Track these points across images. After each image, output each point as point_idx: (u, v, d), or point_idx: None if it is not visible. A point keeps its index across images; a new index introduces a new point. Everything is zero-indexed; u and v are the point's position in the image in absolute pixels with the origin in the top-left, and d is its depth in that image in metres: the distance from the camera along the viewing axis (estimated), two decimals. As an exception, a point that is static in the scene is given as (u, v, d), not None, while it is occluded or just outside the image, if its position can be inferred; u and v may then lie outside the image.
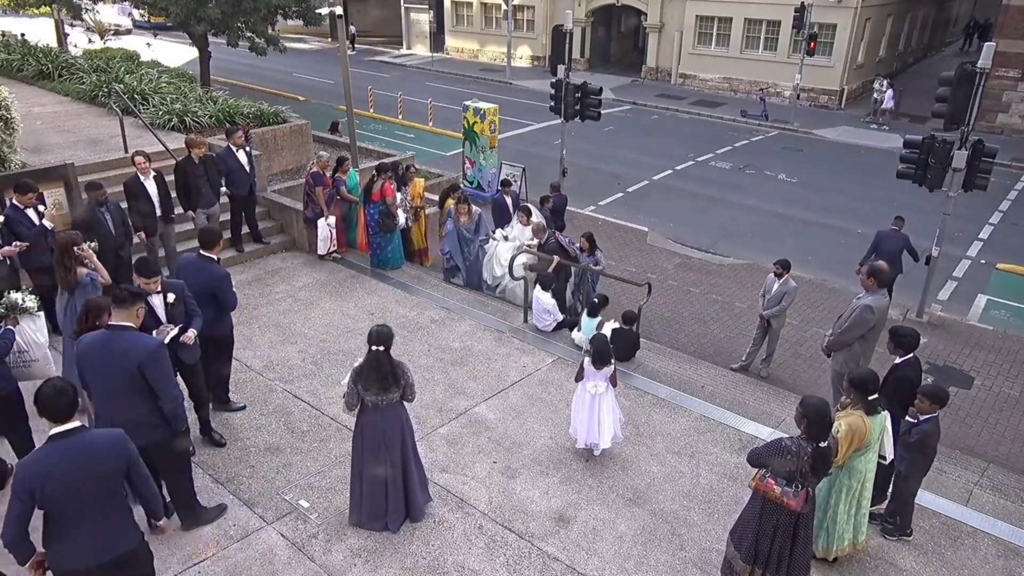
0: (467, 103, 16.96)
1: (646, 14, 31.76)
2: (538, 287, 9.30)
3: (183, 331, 6.02)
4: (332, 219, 10.93)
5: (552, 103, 15.13)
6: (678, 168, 20.27)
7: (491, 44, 36.91)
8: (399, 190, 10.95)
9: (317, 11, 22.98)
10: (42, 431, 4.37)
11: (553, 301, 9.31)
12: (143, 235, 9.30)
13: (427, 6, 39.28)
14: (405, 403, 5.73)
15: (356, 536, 5.86)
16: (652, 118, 26.65)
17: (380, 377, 5.46)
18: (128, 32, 40.02)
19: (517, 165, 16.38)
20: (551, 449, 7.05)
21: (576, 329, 9.08)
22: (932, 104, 11.12)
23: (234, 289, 6.87)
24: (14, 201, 7.88)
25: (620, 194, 17.92)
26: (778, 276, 9.25)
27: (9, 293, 6.41)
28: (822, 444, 4.79)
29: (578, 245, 10.34)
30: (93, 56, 18.19)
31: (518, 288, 10.20)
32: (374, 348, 5.45)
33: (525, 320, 9.64)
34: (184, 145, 10.32)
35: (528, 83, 31.44)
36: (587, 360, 6.66)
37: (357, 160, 12.99)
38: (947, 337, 11.10)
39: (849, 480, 5.49)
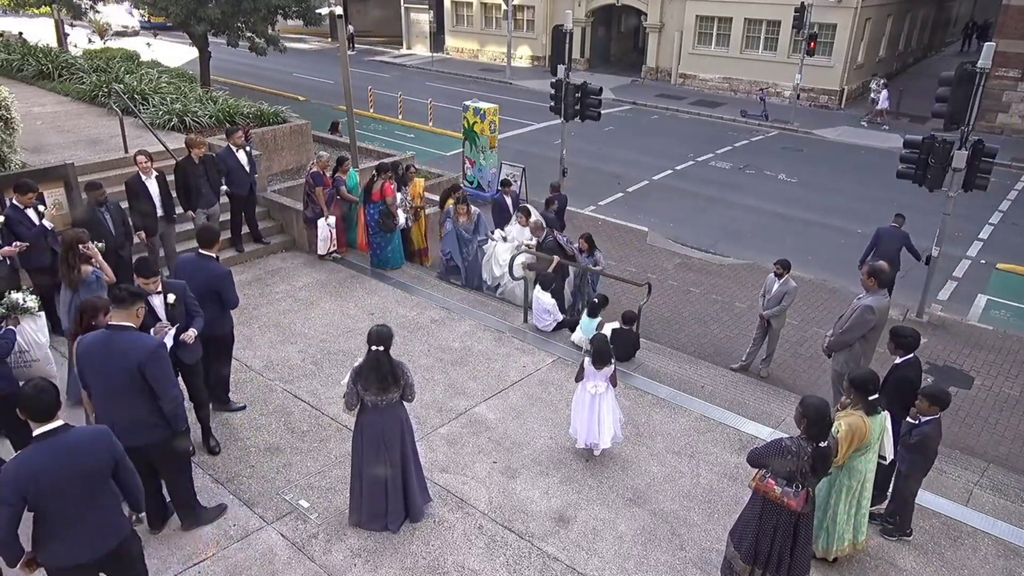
0: (467, 103, 16.95)
1: (646, 14, 31.76)
2: (538, 287, 9.30)
3: (181, 331, 6.00)
4: (332, 219, 10.93)
5: (552, 103, 15.12)
6: (678, 168, 20.26)
7: (491, 44, 36.91)
8: (399, 190, 10.95)
9: (317, 11, 22.99)
10: (42, 431, 4.36)
11: (553, 301, 9.31)
12: (143, 235, 9.31)
13: (427, 6, 39.28)
14: (405, 403, 5.73)
15: (356, 536, 5.86)
16: (652, 118, 26.65)
17: (380, 377, 5.46)
18: (136, 33, 39.48)
19: (517, 165, 16.38)
20: (551, 449, 7.05)
21: (577, 329, 9.07)
22: (932, 104, 11.11)
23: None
24: (14, 201, 7.88)
25: (620, 194, 17.92)
26: (778, 276, 9.25)
27: (10, 293, 6.42)
28: (822, 444, 4.79)
29: (577, 246, 10.33)
30: (93, 56, 18.18)
31: (518, 288, 10.20)
32: (374, 348, 5.45)
33: (525, 320, 9.64)
34: (184, 145, 10.32)
35: (528, 83, 31.44)
36: (587, 360, 6.66)
37: (357, 160, 12.99)
38: (947, 337, 11.10)
39: (849, 480, 5.49)
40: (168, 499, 5.73)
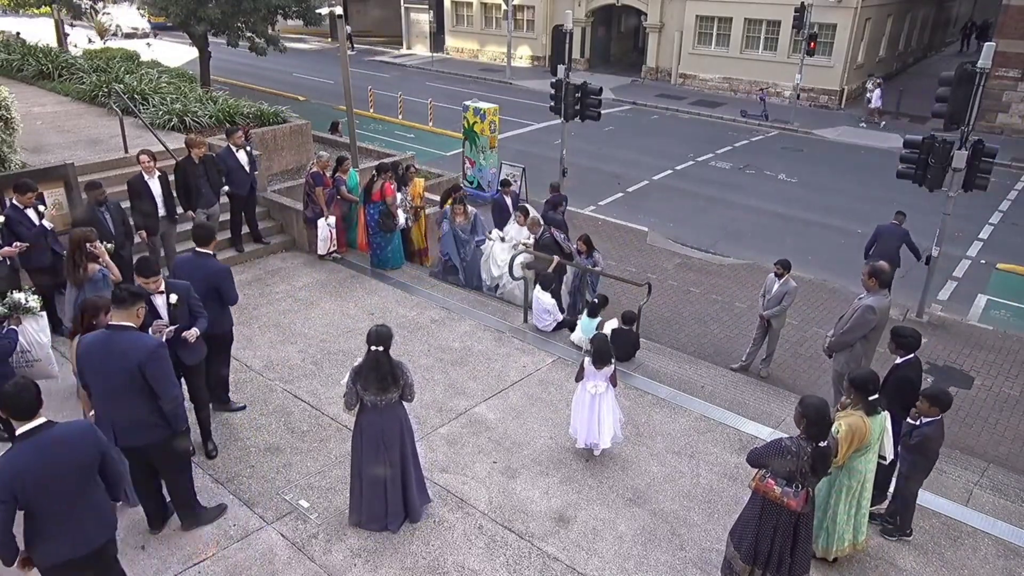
0: (467, 103, 16.95)
1: (646, 14, 31.76)
2: (538, 287, 9.30)
3: (180, 331, 5.98)
4: (332, 219, 10.93)
5: (552, 103, 15.13)
6: (678, 168, 20.26)
7: (491, 44, 36.91)
8: (399, 190, 10.95)
9: (317, 11, 22.99)
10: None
11: (553, 301, 9.32)
12: (144, 234, 9.31)
13: (427, 6, 39.28)
14: (404, 403, 5.73)
15: (356, 536, 5.86)
16: (652, 118, 26.65)
17: (379, 377, 5.46)
18: (146, 35, 39.10)
19: (517, 165, 16.38)
20: (551, 449, 7.05)
21: (577, 329, 9.07)
22: (932, 104, 11.11)
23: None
24: (14, 201, 7.88)
25: (620, 194, 17.91)
26: (778, 276, 9.25)
27: (12, 293, 6.43)
28: (822, 444, 4.79)
29: (576, 247, 10.33)
30: (93, 56, 18.19)
31: (517, 289, 10.20)
32: (373, 348, 5.45)
33: (525, 320, 9.64)
34: (184, 145, 10.32)
35: (528, 83, 31.44)
36: (587, 360, 6.66)
37: (357, 160, 12.99)
38: (947, 337, 11.10)
39: (849, 480, 5.49)
40: (168, 499, 5.73)
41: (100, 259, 7.00)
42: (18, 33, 22.98)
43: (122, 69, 16.40)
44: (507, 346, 8.99)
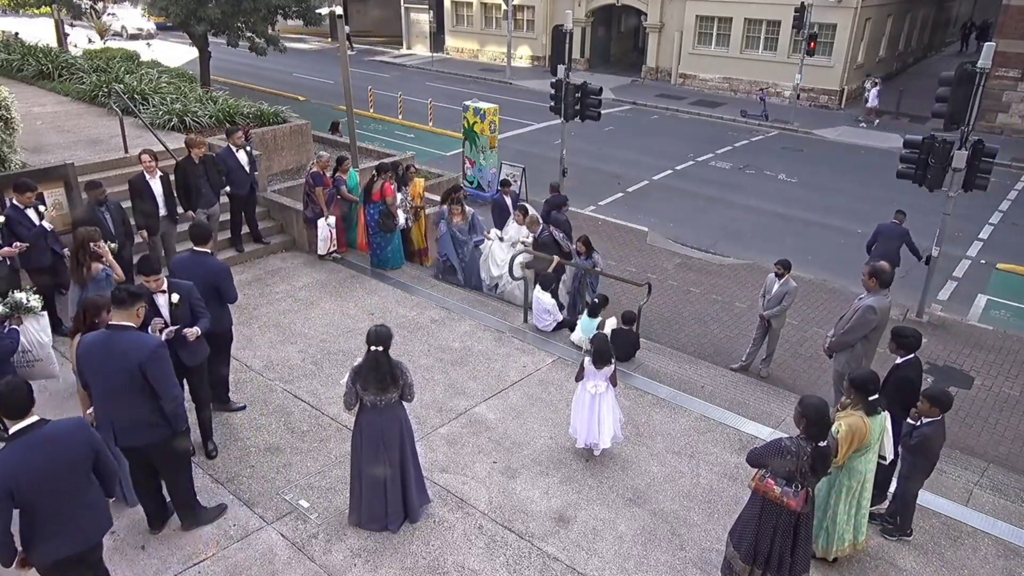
0: (467, 103, 16.96)
1: (646, 14, 31.75)
2: (538, 287, 9.30)
3: (180, 331, 5.98)
4: (332, 219, 10.93)
5: (552, 103, 15.12)
6: (678, 168, 20.26)
7: (491, 44, 36.91)
8: (399, 190, 10.95)
9: (317, 11, 22.99)
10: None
11: (553, 301, 9.32)
12: (145, 233, 9.31)
13: (427, 6, 39.27)
14: (404, 403, 5.73)
15: (356, 536, 5.86)
16: (652, 118, 26.65)
17: (379, 377, 5.46)
18: (151, 36, 38.88)
19: (517, 165, 16.38)
20: (551, 449, 7.05)
21: (577, 328, 9.07)
22: (932, 104, 11.11)
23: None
24: (14, 201, 7.88)
25: (620, 194, 17.91)
26: (779, 276, 9.25)
27: (13, 292, 6.43)
28: (821, 444, 4.80)
29: (575, 248, 10.33)
30: (93, 56, 18.19)
31: (517, 289, 10.19)
32: (373, 348, 5.45)
33: (525, 320, 9.64)
34: (184, 145, 10.32)
35: (528, 83, 31.44)
36: (587, 360, 6.66)
37: (357, 160, 12.98)
38: (947, 337, 11.10)
39: (849, 480, 5.48)
40: (168, 499, 5.73)
41: (104, 259, 7.02)
42: (16, 33, 22.97)
43: (122, 69, 16.40)
44: (507, 346, 8.99)
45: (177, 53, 32.10)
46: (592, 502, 6.37)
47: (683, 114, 27.23)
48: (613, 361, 6.73)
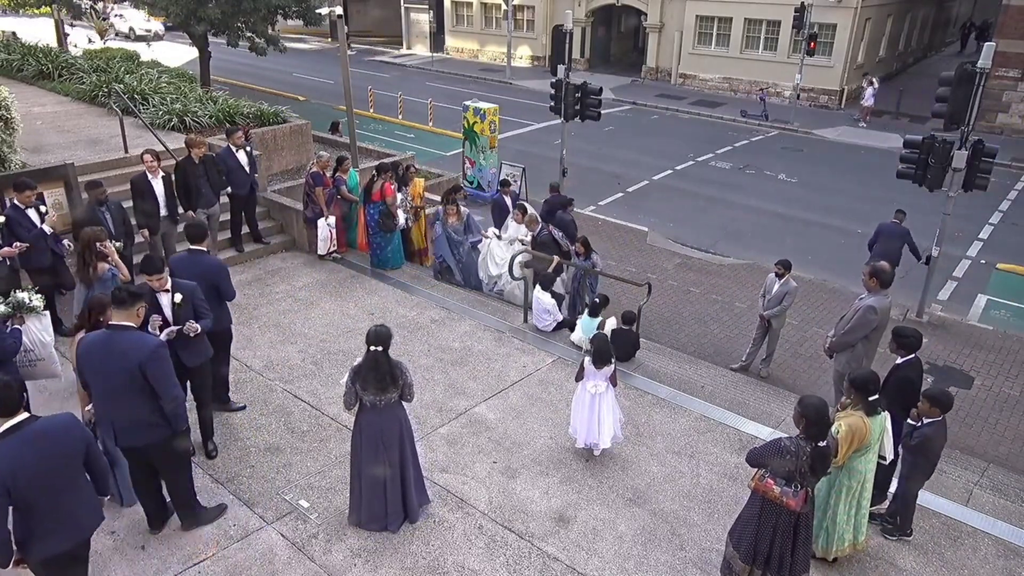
0: (467, 103, 16.96)
1: (646, 14, 31.76)
2: (538, 287, 9.30)
3: (180, 330, 5.97)
4: (332, 219, 10.93)
5: (552, 103, 15.11)
6: (678, 168, 20.26)
7: (491, 44, 36.91)
8: (399, 190, 10.95)
9: (317, 11, 22.99)
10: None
11: (553, 301, 9.32)
12: (146, 233, 9.31)
13: (427, 6, 39.28)
14: (404, 403, 5.73)
15: (356, 536, 5.86)
16: (652, 118, 26.65)
17: (378, 377, 5.46)
18: (158, 38, 38.80)
19: (517, 165, 16.38)
20: (551, 449, 7.05)
21: (577, 328, 9.07)
22: (932, 104, 11.11)
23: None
24: (15, 201, 7.89)
25: (620, 194, 17.91)
26: (779, 276, 9.25)
27: (15, 292, 6.43)
28: (821, 444, 4.80)
29: (574, 249, 10.33)
30: (93, 56, 18.19)
31: (517, 288, 10.19)
32: (372, 348, 5.45)
33: (525, 320, 9.64)
34: (184, 145, 10.32)
35: (528, 83, 31.44)
36: (587, 359, 6.66)
37: (357, 160, 12.99)
38: (947, 337, 11.09)
39: (849, 480, 5.48)
40: (168, 499, 5.73)
41: (109, 258, 7.04)
42: (14, 33, 22.95)
43: (122, 69, 16.40)
44: (507, 346, 8.99)
45: (177, 53, 32.11)
46: (592, 502, 6.37)
47: (683, 114, 27.23)
48: (613, 361, 6.73)
